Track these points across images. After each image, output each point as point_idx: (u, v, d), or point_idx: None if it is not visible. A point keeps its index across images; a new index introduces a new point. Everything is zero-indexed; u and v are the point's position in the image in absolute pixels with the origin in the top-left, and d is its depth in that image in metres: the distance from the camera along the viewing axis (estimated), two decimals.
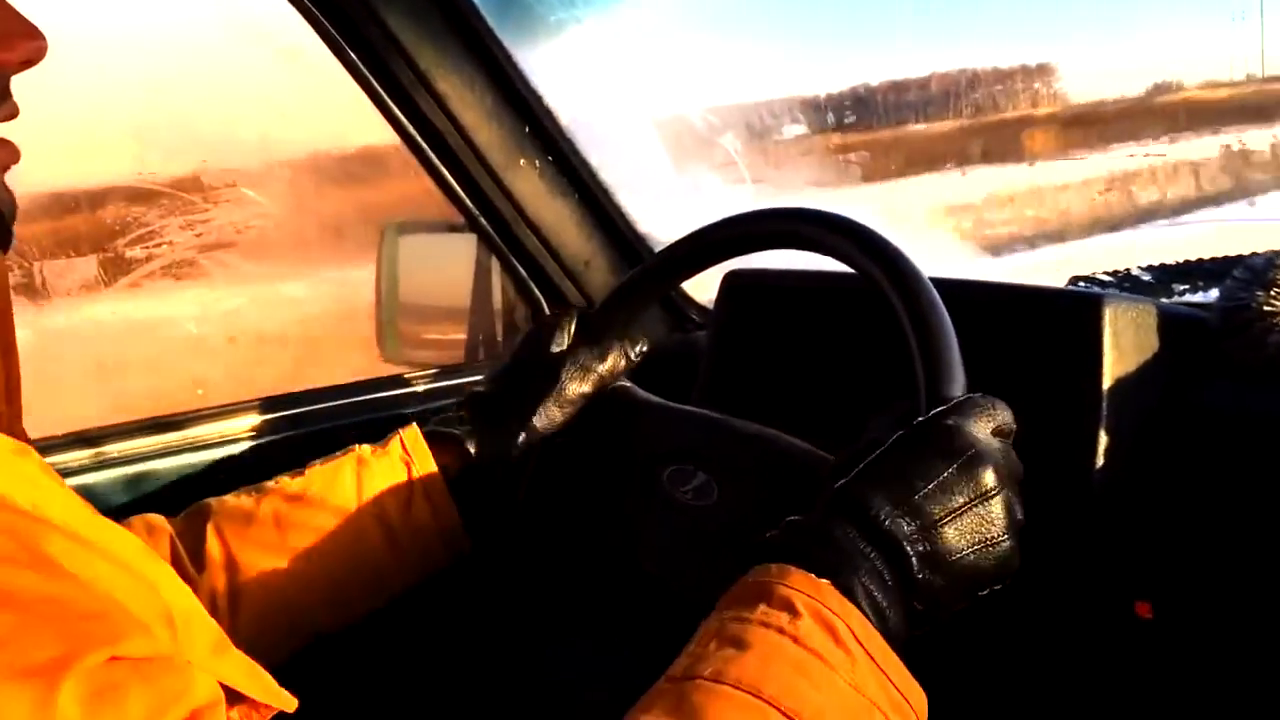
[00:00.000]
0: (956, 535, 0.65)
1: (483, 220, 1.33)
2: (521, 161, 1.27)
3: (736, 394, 1.15)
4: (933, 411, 0.69)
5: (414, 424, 0.95)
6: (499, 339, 1.49)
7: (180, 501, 0.92)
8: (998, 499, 0.66)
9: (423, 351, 1.52)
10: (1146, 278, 0.98)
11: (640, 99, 1.49)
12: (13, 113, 0.61)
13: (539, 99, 1.25)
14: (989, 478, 0.66)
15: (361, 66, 1.21)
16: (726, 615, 0.62)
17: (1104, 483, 0.83)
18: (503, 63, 1.22)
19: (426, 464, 0.92)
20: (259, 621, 0.86)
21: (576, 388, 0.97)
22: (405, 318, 1.51)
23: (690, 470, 0.90)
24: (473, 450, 0.95)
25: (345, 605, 0.91)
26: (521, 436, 0.95)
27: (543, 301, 1.40)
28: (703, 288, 1.39)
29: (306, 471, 0.92)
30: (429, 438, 0.94)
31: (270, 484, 0.91)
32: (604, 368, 0.98)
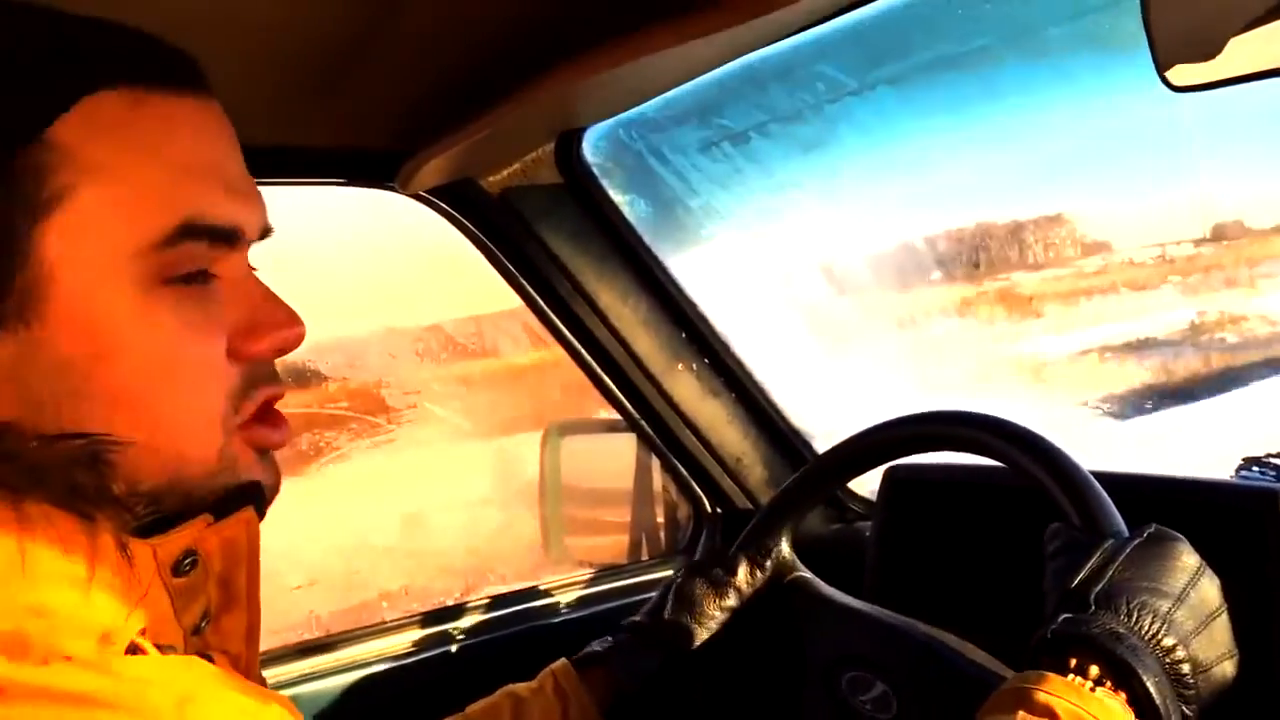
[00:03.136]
0: (1209, 645, 0.68)
1: (642, 421, 1.37)
2: (679, 366, 1.32)
3: (905, 589, 1.13)
4: (1154, 526, 0.73)
5: (564, 660, 0.97)
6: (661, 536, 1.51)
7: None
8: (1224, 614, 0.70)
9: (587, 550, 1.54)
10: None
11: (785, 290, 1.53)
12: (281, 394, 0.59)
13: (693, 305, 1.30)
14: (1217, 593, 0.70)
15: (523, 281, 1.28)
16: None
17: None
18: (658, 275, 1.28)
19: (580, 699, 0.93)
20: None
21: (722, 603, 0.97)
22: (569, 516, 1.54)
23: (870, 679, 0.89)
24: (624, 676, 0.95)
25: None
26: (680, 659, 0.95)
27: (704, 499, 1.42)
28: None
29: (467, 714, 0.93)
30: (578, 665, 0.95)
31: None
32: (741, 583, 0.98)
